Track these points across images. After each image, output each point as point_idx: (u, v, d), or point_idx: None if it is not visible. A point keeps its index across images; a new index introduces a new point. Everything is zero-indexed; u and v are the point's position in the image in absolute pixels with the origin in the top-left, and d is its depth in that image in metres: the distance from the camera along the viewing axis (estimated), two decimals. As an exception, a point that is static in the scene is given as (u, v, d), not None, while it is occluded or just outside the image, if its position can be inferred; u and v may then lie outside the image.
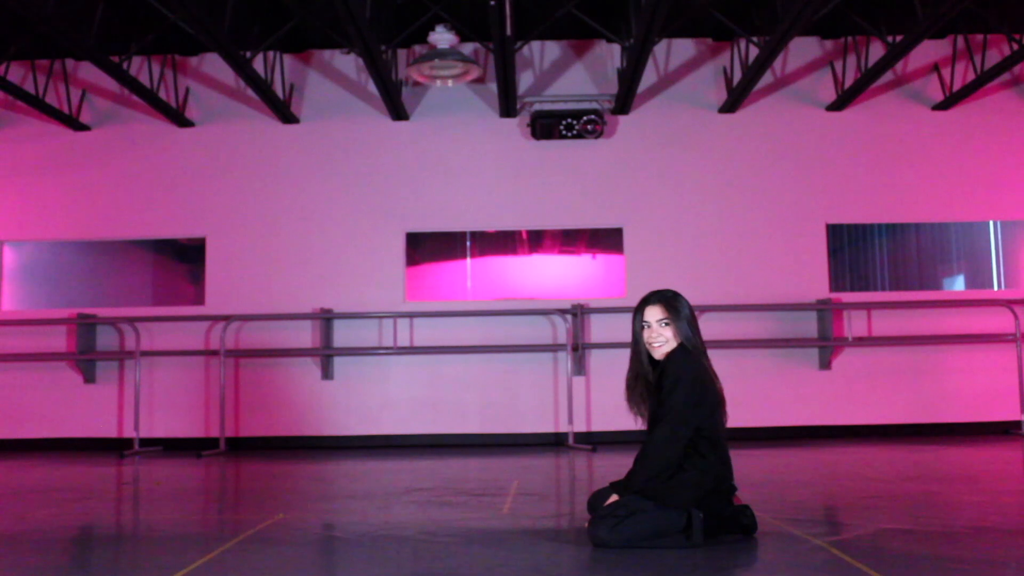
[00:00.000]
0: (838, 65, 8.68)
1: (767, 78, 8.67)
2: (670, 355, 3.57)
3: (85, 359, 8.54)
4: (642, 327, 3.65)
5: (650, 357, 3.65)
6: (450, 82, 7.88)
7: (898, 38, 7.36)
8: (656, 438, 3.47)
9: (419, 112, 8.93)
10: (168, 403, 8.59)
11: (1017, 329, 8.21)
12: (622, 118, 8.85)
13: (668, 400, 3.47)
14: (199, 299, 8.90)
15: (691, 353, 3.55)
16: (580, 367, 8.45)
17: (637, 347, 3.68)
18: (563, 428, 8.36)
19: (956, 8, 6.60)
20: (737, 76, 8.34)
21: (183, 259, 9.85)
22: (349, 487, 5.58)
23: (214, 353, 8.46)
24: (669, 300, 3.63)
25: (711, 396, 3.53)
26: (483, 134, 8.87)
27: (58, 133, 8.94)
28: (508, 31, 6.94)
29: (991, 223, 9.17)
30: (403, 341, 8.53)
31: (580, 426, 8.36)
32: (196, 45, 8.48)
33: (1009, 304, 8.33)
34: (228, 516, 4.68)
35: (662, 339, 3.59)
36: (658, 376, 3.63)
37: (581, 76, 8.88)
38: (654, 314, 3.61)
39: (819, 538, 3.45)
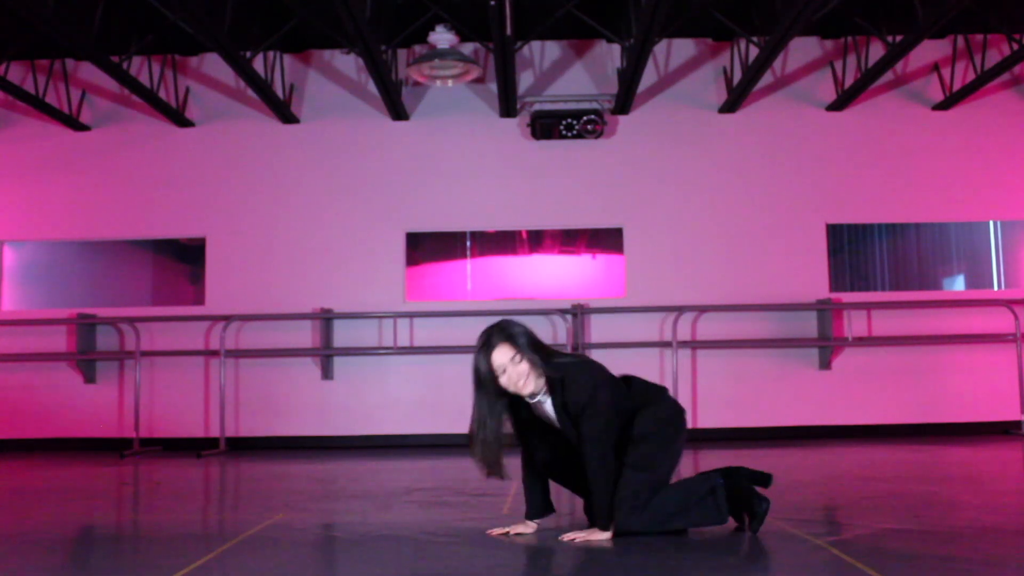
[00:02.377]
0: (838, 65, 8.68)
1: (767, 78, 8.67)
2: (567, 380, 3.34)
3: (85, 359, 8.54)
4: (494, 376, 3.33)
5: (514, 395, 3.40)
6: (450, 82, 7.88)
7: (898, 38, 7.36)
8: (596, 463, 3.31)
9: (419, 112, 8.93)
10: (168, 403, 8.59)
11: (1017, 329, 8.21)
12: (622, 118, 8.85)
13: (590, 423, 3.31)
14: (199, 299, 8.90)
15: (584, 366, 3.40)
16: (580, 367, 8.43)
17: (485, 391, 3.37)
18: (563, 428, 8.34)
19: (956, 8, 6.61)
20: (737, 76, 8.34)
21: (183, 259, 9.85)
22: (349, 487, 5.58)
23: (214, 353, 8.46)
24: (506, 333, 3.36)
25: (618, 390, 3.46)
26: (483, 134, 8.87)
27: (58, 133, 8.94)
28: (508, 31, 6.94)
29: (991, 223, 9.16)
30: (403, 341, 8.53)
31: (580, 426, 8.34)
32: (196, 45, 8.47)
33: (1009, 304, 8.33)
34: (228, 516, 4.68)
35: (523, 376, 3.33)
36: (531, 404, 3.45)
37: (581, 76, 8.88)
38: (503, 356, 3.32)
39: (819, 538, 3.45)
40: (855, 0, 7.59)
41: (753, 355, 8.54)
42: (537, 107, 8.71)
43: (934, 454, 6.81)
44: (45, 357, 8.59)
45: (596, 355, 8.39)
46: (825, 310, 8.42)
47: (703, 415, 8.45)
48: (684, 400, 8.35)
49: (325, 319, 8.47)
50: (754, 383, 8.50)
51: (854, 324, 8.49)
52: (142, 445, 8.25)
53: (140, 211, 8.87)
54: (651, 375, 8.58)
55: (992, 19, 7.75)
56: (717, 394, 8.51)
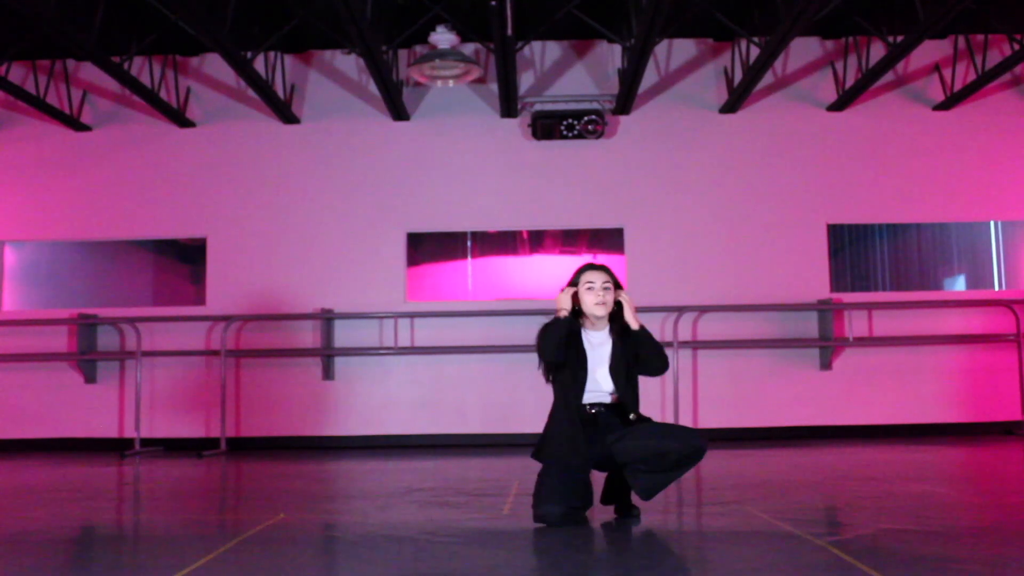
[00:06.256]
0: (839, 65, 8.68)
1: (768, 78, 8.67)
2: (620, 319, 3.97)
3: (86, 359, 8.54)
4: (584, 288, 3.90)
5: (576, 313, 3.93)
6: (451, 82, 7.88)
7: (899, 38, 7.36)
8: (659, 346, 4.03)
9: (420, 112, 8.93)
10: (169, 403, 8.60)
11: (1017, 329, 8.20)
12: (623, 118, 8.85)
13: (649, 339, 3.99)
14: (200, 299, 8.90)
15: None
16: (580, 367, 8.43)
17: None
18: (563, 428, 8.34)
19: (957, 8, 6.60)
20: (738, 76, 8.34)
21: (184, 259, 9.86)
22: (349, 487, 5.58)
23: (215, 353, 8.46)
24: (606, 267, 3.99)
25: None
26: (484, 134, 8.87)
27: (59, 133, 8.95)
28: (509, 31, 6.94)
29: (991, 223, 9.16)
30: (404, 341, 8.53)
31: (580, 426, 8.34)
32: (197, 45, 8.48)
33: (1009, 304, 8.33)
34: (228, 516, 4.68)
35: (607, 298, 3.92)
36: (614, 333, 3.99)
37: (582, 76, 8.88)
38: (598, 277, 3.93)
39: (819, 538, 3.45)
40: (856, 0, 7.59)
41: (754, 355, 8.54)
42: (538, 107, 8.72)
43: (934, 454, 6.81)
44: (45, 357, 8.59)
45: (596, 355, 8.44)
46: (826, 310, 8.42)
47: (704, 415, 8.45)
48: (685, 400, 8.37)
49: (326, 319, 8.47)
50: (755, 383, 8.50)
51: (855, 324, 8.48)
52: (143, 445, 8.26)
53: (141, 211, 8.87)
54: (651, 375, 8.60)
55: (993, 19, 7.75)
56: (718, 394, 8.50)
